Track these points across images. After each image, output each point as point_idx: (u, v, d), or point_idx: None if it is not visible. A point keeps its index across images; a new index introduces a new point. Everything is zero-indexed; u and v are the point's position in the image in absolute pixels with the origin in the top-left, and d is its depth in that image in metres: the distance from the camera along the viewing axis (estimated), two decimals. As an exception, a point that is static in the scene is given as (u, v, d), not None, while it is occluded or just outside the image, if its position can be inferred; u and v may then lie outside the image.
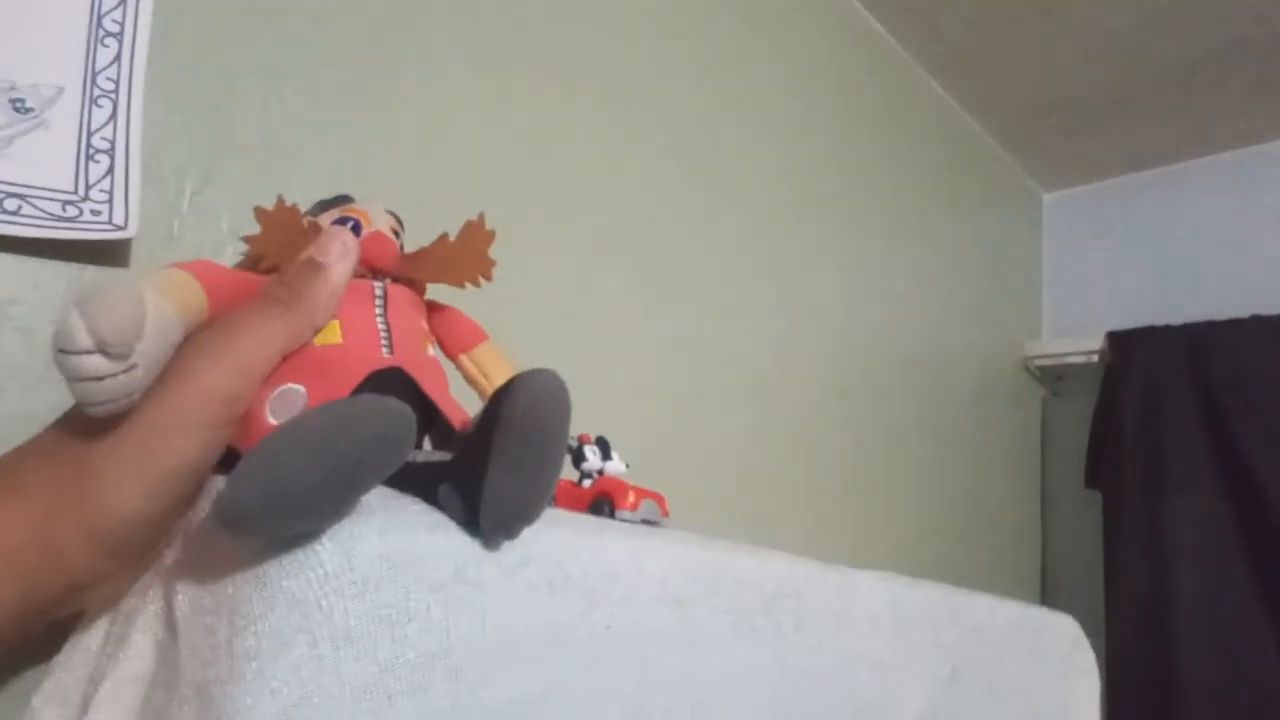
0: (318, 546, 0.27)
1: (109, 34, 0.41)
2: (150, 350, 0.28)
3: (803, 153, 1.04)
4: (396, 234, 0.40)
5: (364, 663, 0.28)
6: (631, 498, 0.42)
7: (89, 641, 0.34)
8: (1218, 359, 1.33)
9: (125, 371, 0.28)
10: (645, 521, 0.42)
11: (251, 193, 0.48)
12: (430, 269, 0.38)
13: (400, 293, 0.38)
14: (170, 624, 0.30)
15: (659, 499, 0.44)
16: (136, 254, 0.42)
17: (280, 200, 0.35)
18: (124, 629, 0.32)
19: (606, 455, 0.46)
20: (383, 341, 0.35)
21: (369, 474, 0.26)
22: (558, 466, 0.31)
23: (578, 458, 0.45)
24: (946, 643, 0.65)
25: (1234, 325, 1.33)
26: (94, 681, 0.32)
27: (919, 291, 1.25)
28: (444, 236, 0.39)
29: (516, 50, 0.69)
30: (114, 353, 0.27)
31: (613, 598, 0.37)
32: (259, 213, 0.35)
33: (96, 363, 0.27)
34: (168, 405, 0.30)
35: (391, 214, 0.41)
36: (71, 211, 0.38)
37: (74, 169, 0.39)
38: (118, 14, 0.41)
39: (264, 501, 0.24)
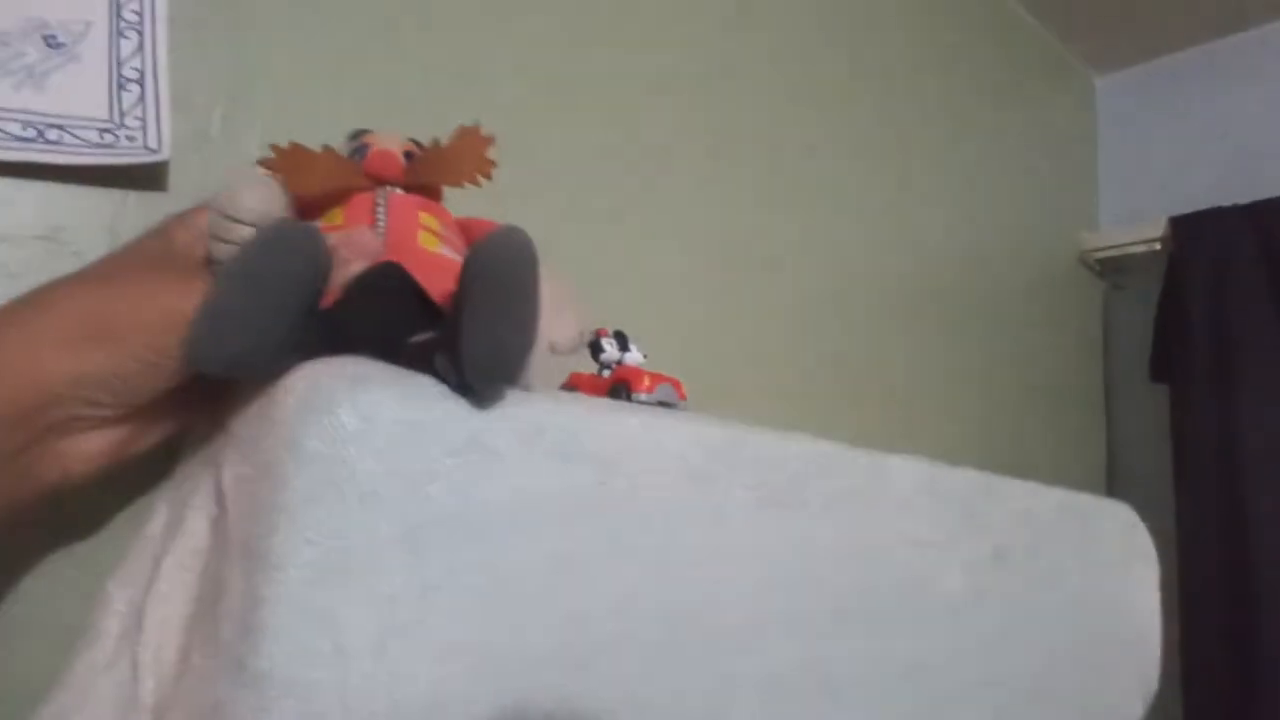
0: (338, 409, 0.30)
1: (129, -32, 0.43)
2: None
3: (845, 46, 1.02)
4: (410, 153, 0.42)
5: (390, 518, 0.30)
6: (647, 381, 0.44)
7: (152, 529, 0.37)
8: (1291, 237, 1.26)
9: None
10: (662, 404, 0.44)
11: (278, 114, 0.51)
12: (428, 171, 0.41)
13: (403, 198, 0.40)
14: (219, 499, 0.33)
15: (675, 383, 0.45)
16: (173, 178, 0.45)
17: (276, 147, 0.37)
18: (180, 512, 0.36)
19: (624, 347, 0.48)
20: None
21: (285, 283, 0.31)
22: (526, 309, 0.33)
23: (596, 350, 0.47)
24: (987, 524, 0.66)
25: (1307, 199, 1.25)
26: (158, 561, 0.36)
27: (969, 187, 1.23)
28: (435, 141, 0.41)
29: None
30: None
31: (631, 469, 0.39)
32: (274, 161, 0.37)
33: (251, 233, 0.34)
34: None
35: (411, 140, 0.43)
36: (109, 139, 0.41)
37: (107, 98, 0.42)
38: (136, -51, 0.44)
39: (205, 327, 0.29)
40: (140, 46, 0.43)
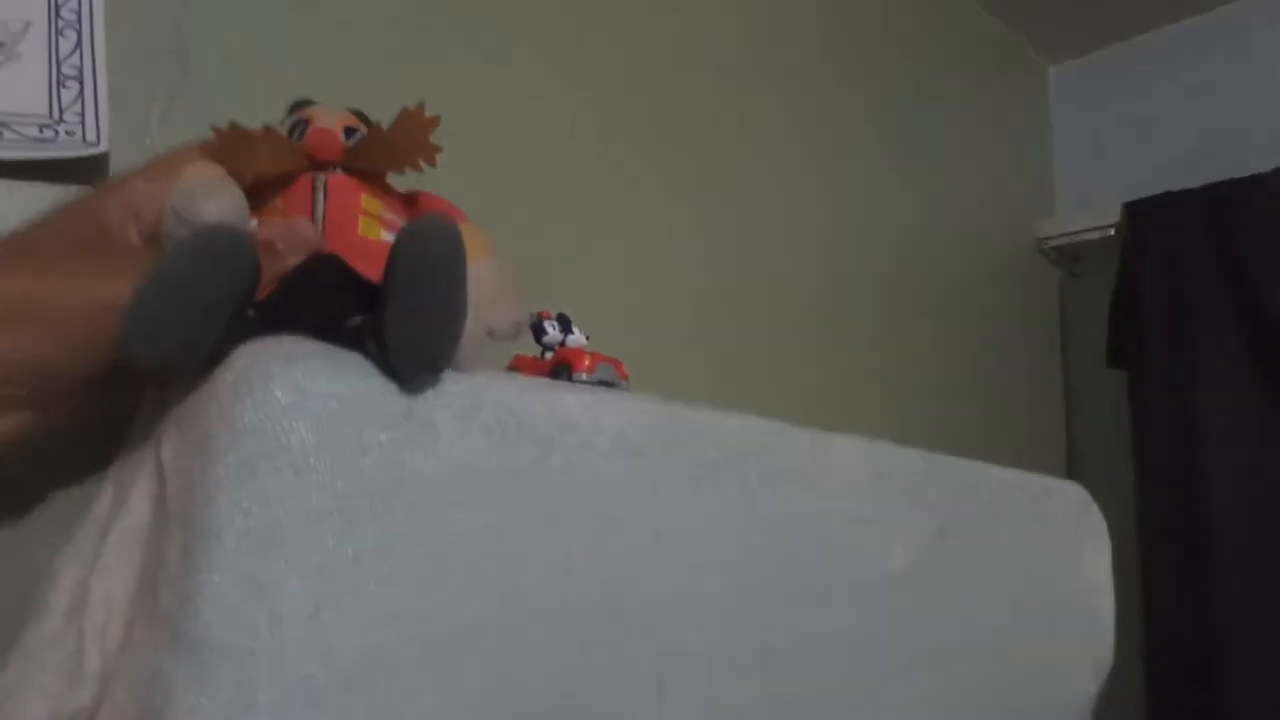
0: (273, 384, 0.31)
1: (66, -33, 0.44)
2: None
3: (796, 34, 1.04)
4: (354, 129, 0.43)
5: (325, 490, 0.31)
6: (588, 361, 0.45)
7: (99, 509, 0.38)
8: (1243, 219, 1.28)
9: None
10: (602, 383, 0.46)
11: (215, 108, 0.52)
12: (368, 156, 0.40)
13: (342, 181, 0.40)
14: (160, 476, 0.34)
15: (616, 363, 0.47)
16: (113, 172, 0.46)
17: (217, 130, 0.37)
18: (125, 492, 0.36)
19: (567, 330, 0.49)
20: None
21: (209, 293, 0.31)
22: (451, 298, 0.33)
23: (538, 332, 0.48)
24: (932, 502, 0.67)
25: (1258, 181, 1.27)
26: (103, 538, 0.36)
27: (925, 177, 1.25)
28: (378, 126, 0.41)
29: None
30: None
31: (569, 445, 0.40)
32: (214, 145, 0.38)
33: None
34: None
35: (354, 113, 0.43)
36: (49, 134, 0.42)
37: (47, 95, 0.43)
38: (73, -52, 0.45)
39: (133, 329, 0.30)
40: (78, 44, 0.44)
